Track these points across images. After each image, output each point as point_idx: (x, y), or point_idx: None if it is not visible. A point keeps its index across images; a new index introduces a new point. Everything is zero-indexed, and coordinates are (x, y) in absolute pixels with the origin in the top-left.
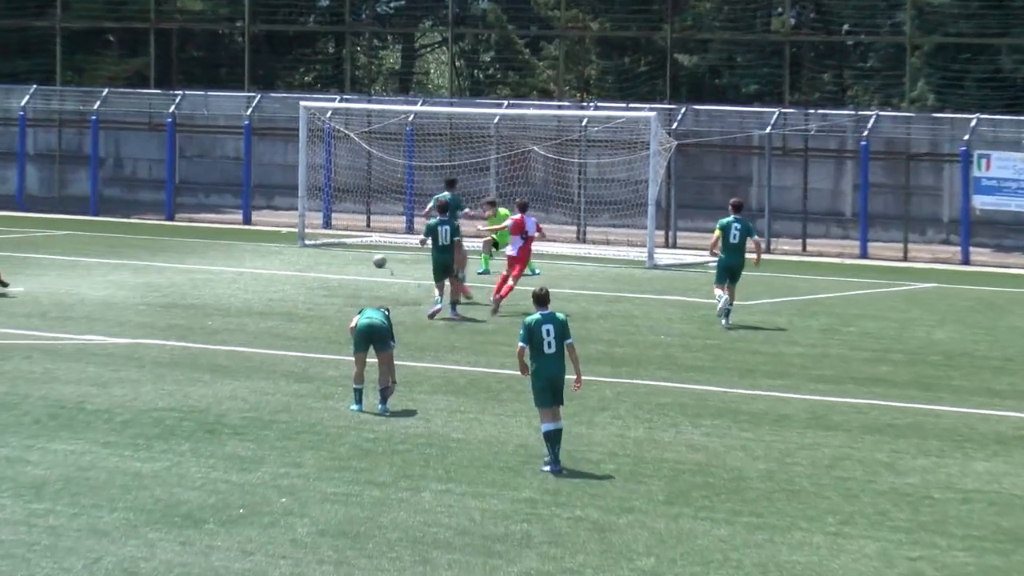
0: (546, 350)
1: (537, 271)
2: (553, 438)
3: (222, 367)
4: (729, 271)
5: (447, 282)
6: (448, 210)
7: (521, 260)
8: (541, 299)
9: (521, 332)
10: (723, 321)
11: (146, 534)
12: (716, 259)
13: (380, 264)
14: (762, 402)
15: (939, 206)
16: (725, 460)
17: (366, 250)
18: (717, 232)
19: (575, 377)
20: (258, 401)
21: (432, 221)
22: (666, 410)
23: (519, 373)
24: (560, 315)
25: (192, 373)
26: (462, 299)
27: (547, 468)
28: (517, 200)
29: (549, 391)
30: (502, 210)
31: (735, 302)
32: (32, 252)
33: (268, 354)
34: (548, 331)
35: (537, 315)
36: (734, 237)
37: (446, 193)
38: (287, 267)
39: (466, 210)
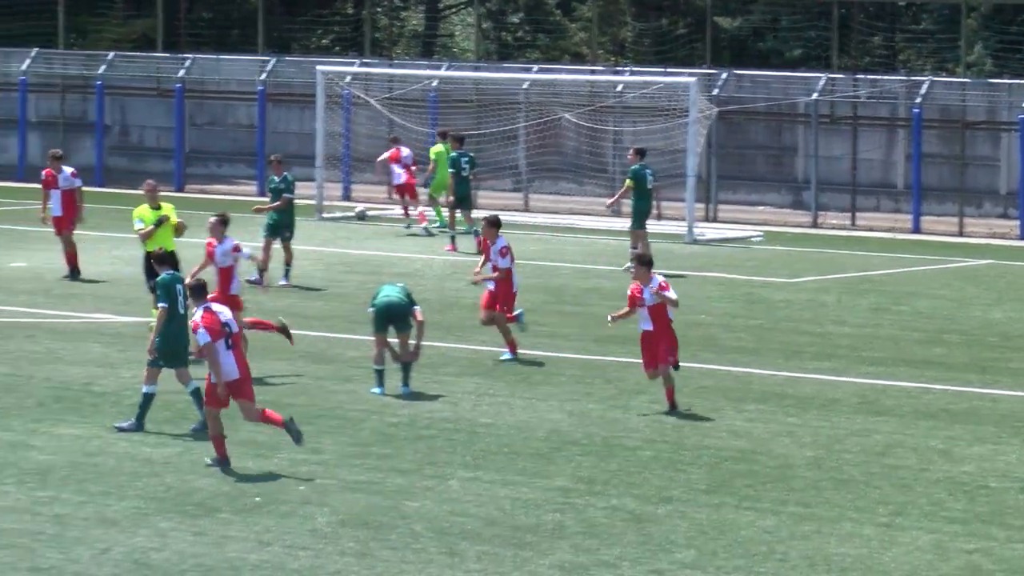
0: (180, 310)
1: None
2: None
3: None
4: (647, 215)
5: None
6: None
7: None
8: (166, 260)
9: (161, 292)
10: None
11: (157, 523)
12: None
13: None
14: (809, 386)
15: (996, 177)
16: (770, 447)
17: (388, 223)
18: (630, 182)
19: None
20: (275, 383)
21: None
22: (707, 394)
23: (150, 336)
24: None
25: None
26: None
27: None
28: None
29: (179, 353)
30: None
31: None
32: (34, 226)
33: None
34: (180, 291)
35: (168, 275)
36: (650, 183)
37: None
38: (304, 241)
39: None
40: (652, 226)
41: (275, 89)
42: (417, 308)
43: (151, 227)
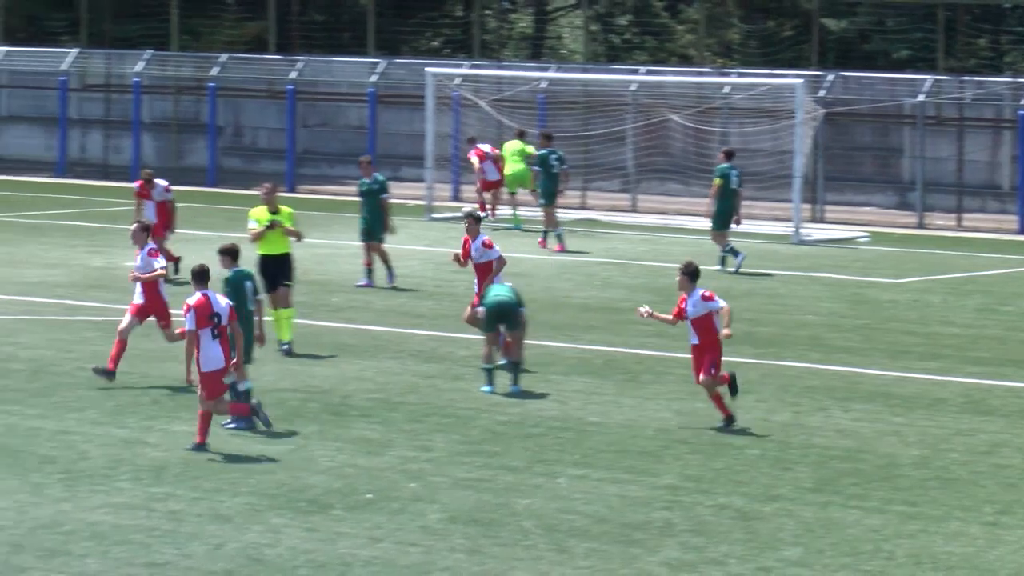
0: (248, 307)
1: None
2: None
3: (347, 346)
4: (730, 217)
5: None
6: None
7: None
8: (236, 254)
9: (228, 289)
10: (736, 267)
11: (270, 519)
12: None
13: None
14: (915, 385)
15: None
16: (876, 446)
17: (496, 223)
18: (719, 180)
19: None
20: (385, 382)
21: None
22: (814, 393)
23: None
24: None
25: (316, 352)
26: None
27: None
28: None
29: (246, 348)
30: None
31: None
32: None
33: (395, 332)
34: (249, 287)
35: (235, 271)
36: (734, 184)
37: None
38: (414, 241)
39: None
40: (755, 227)
41: (385, 91)
42: (523, 310)
43: (261, 229)
